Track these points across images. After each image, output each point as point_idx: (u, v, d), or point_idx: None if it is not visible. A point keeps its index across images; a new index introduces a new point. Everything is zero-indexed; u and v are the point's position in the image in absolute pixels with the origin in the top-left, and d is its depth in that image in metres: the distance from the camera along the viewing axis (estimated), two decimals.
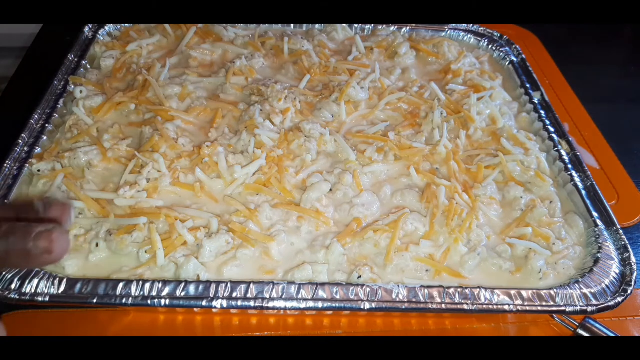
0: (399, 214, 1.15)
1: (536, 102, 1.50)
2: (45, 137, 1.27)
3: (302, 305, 0.97)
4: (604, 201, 1.21)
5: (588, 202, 1.22)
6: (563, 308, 1.00)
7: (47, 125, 1.29)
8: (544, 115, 1.46)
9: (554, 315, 1.09)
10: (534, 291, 1.02)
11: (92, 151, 1.24)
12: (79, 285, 0.97)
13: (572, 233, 1.18)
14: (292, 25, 1.76)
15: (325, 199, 1.18)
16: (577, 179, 1.27)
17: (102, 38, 1.63)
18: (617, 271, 1.08)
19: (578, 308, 1.01)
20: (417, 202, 1.20)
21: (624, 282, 1.06)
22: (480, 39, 1.78)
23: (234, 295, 0.97)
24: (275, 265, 1.08)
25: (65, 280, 0.97)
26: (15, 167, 1.18)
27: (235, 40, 1.66)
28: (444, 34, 1.79)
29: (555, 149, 1.35)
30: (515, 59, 1.69)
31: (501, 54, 1.72)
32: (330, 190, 1.20)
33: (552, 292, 1.02)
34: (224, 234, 1.08)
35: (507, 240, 1.14)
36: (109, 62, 1.54)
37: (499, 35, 1.78)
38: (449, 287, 1.01)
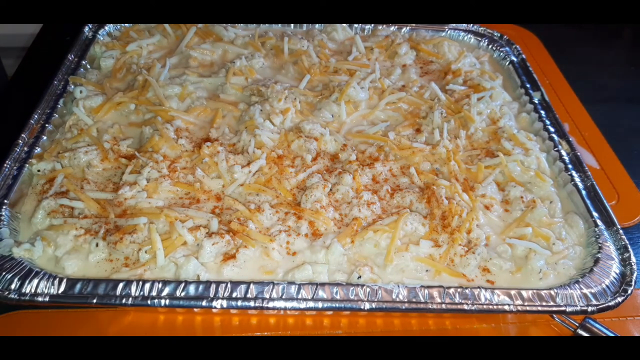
0: (399, 214, 1.15)
1: (536, 102, 1.50)
2: (45, 137, 1.27)
3: (302, 305, 0.97)
4: (604, 201, 1.21)
5: (588, 202, 1.22)
6: (563, 308, 1.00)
7: (47, 125, 1.29)
8: (544, 115, 1.45)
9: (554, 316, 1.09)
10: (534, 291, 1.02)
11: (92, 151, 1.24)
12: (79, 285, 0.96)
13: (572, 233, 1.18)
14: (292, 25, 1.76)
15: (325, 199, 1.18)
16: (577, 179, 1.27)
17: (102, 38, 1.63)
18: (617, 271, 1.08)
19: (578, 308, 1.00)
20: (417, 202, 1.20)
21: (624, 282, 1.06)
22: (480, 39, 1.78)
23: (234, 295, 0.97)
24: (275, 265, 1.08)
25: (65, 280, 0.97)
26: (15, 167, 1.18)
27: (235, 40, 1.66)
28: (444, 34, 1.79)
29: (556, 149, 1.35)
30: (515, 59, 1.69)
31: (501, 54, 1.72)
32: (330, 190, 1.20)
33: (552, 292, 1.02)
34: (224, 233, 1.08)
35: (507, 240, 1.14)
36: (109, 62, 1.54)
37: (499, 35, 1.78)
38: (449, 287, 1.01)
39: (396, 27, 1.77)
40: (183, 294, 0.97)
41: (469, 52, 1.69)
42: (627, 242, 1.12)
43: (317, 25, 1.76)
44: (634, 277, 1.06)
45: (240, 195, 1.20)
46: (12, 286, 0.96)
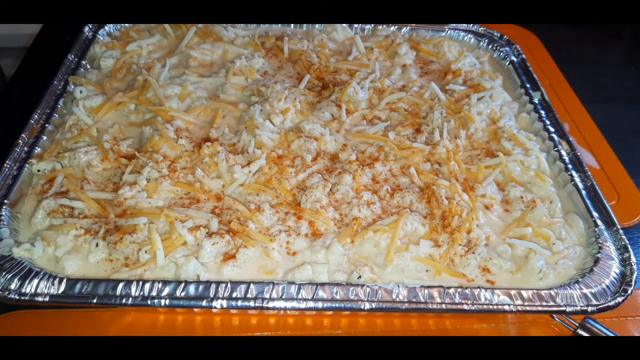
0: (399, 214, 1.15)
1: (536, 102, 1.50)
2: (45, 137, 1.27)
3: (302, 305, 0.97)
4: (604, 201, 1.21)
5: (588, 202, 1.22)
6: (563, 308, 1.00)
7: (47, 125, 1.29)
8: (544, 115, 1.45)
9: (554, 315, 1.09)
10: (534, 291, 1.02)
11: (92, 151, 1.24)
12: (79, 285, 0.97)
13: (572, 233, 1.18)
14: (292, 25, 1.76)
15: (325, 199, 1.18)
16: (577, 179, 1.27)
17: (102, 38, 1.63)
18: (617, 271, 1.08)
19: (578, 308, 1.01)
20: (417, 202, 1.20)
21: (624, 282, 1.06)
22: (480, 39, 1.78)
23: (234, 295, 0.97)
24: (275, 265, 1.08)
25: (65, 280, 0.97)
26: (15, 167, 1.18)
27: (235, 40, 1.66)
28: (444, 34, 1.79)
29: (556, 149, 1.35)
30: (515, 59, 1.69)
31: (501, 54, 1.72)
32: (330, 190, 1.20)
33: (552, 292, 1.02)
34: (224, 234, 1.08)
35: (507, 240, 1.14)
36: (109, 62, 1.54)
37: (499, 35, 1.78)
38: (449, 287, 1.01)
39: (396, 27, 1.77)
40: (183, 294, 0.97)
41: (469, 52, 1.69)
42: (627, 242, 1.12)
43: (317, 25, 1.76)
44: (634, 277, 1.06)
45: (240, 195, 1.20)
46: (12, 286, 0.96)
